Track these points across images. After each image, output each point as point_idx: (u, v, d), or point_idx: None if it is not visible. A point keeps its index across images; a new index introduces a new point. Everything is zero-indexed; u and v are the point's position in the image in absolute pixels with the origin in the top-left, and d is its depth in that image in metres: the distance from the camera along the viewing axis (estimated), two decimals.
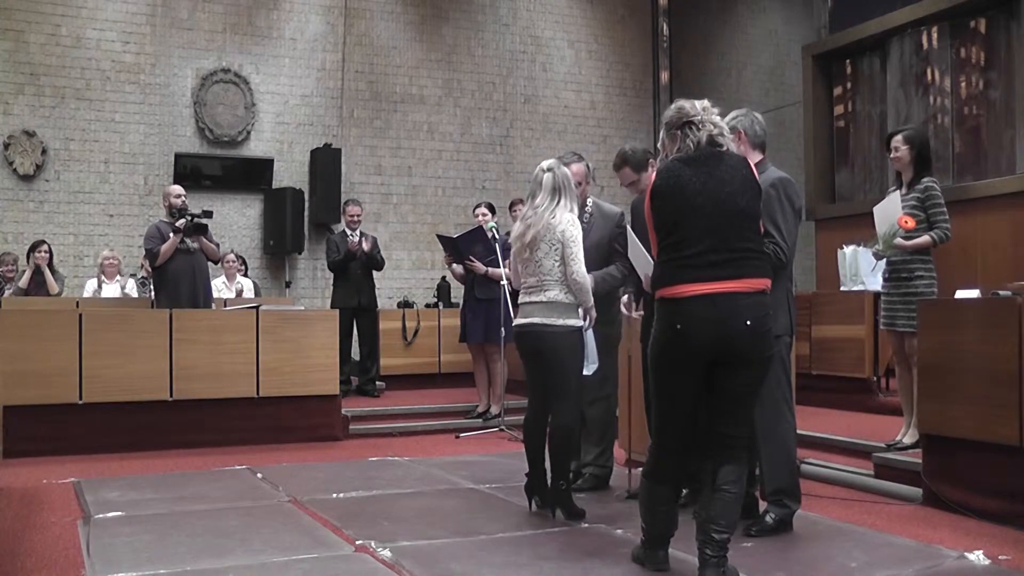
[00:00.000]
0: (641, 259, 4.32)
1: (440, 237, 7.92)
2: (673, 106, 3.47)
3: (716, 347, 3.22)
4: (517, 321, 4.57)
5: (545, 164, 4.53)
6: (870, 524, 4.34)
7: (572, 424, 4.45)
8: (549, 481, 4.50)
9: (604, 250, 5.01)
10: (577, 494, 4.88)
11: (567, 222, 4.36)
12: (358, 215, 8.70)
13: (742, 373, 3.28)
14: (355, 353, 8.93)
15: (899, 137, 5.35)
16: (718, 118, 3.41)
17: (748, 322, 3.21)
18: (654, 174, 3.44)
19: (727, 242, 3.24)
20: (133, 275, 9.22)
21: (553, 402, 4.45)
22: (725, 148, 3.37)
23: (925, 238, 5.16)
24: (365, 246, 8.43)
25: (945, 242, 5.22)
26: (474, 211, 7.89)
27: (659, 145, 3.55)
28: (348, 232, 8.58)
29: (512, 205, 8.45)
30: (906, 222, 5.06)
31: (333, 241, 8.64)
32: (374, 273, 8.74)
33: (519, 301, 4.59)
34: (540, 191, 4.45)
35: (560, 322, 4.35)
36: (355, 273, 8.51)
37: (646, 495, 3.49)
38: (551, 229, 4.35)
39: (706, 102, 3.44)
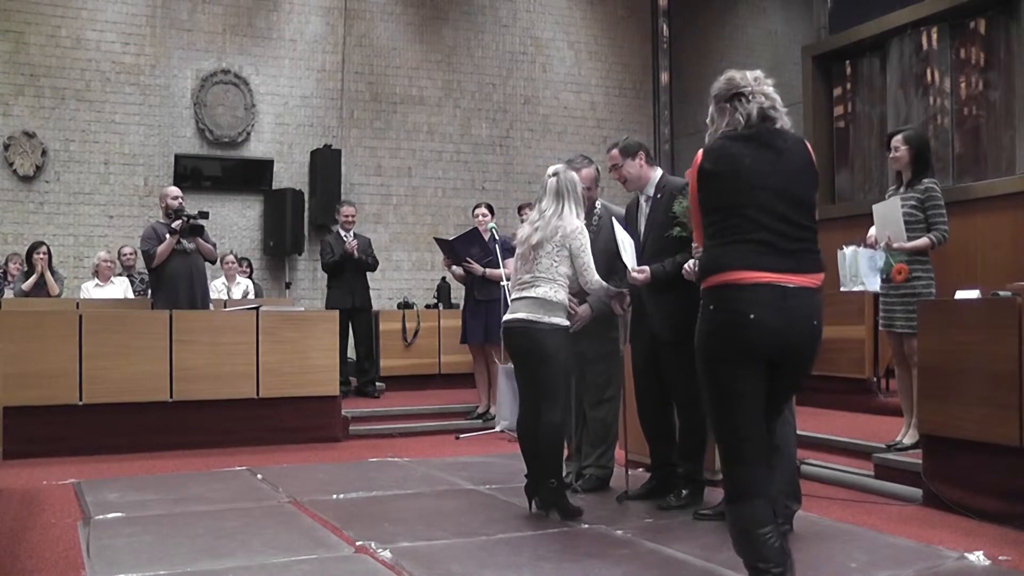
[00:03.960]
0: (629, 250, 4.54)
1: (437, 240, 7.92)
2: (722, 77, 3.11)
3: (781, 344, 2.87)
4: (505, 317, 4.58)
5: (551, 169, 4.57)
6: (870, 524, 4.34)
7: (559, 422, 4.41)
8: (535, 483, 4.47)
9: (613, 255, 4.97)
10: (577, 495, 4.89)
11: (577, 231, 4.40)
12: (352, 216, 8.68)
13: (795, 373, 3.01)
14: (351, 354, 8.90)
15: (899, 137, 5.36)
16: (771, 89, 3.06)
17: (815, 322, 2.93)
18: (700, 153, 3.06)
19: (789, 231, 2.91)
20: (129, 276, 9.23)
21: (542, 400, 4.43)
22: (779, 124, 3.04)
23: (924, 240, 5.17)
24: (356, 252, 8.40)
25: (943, 244, 5.23)
26: (473, 212, 7.89)
27: (707, 120, 3.19)
28: (342, 233, 8.57)
29: (520, 209, 8.42)
30: (899, 272, 5.14)
31: (327, 242, 8.64)
32: (369, 273, 8.73)
33: (510, 298, 4.60)
34: (545, 196, 4.50)
35: (545, 319, 4.36)
36: (348, 274, 8.50)
37: (740, 523, 2.90)
38: (557, 232, 4.39)
39: (759, 72, 3.08)
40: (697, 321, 3.03)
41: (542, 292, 4.38)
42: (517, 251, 4.62)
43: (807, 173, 3.03)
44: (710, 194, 3.01)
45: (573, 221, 4.43)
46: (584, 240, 4.41)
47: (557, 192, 4.47)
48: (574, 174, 4.58)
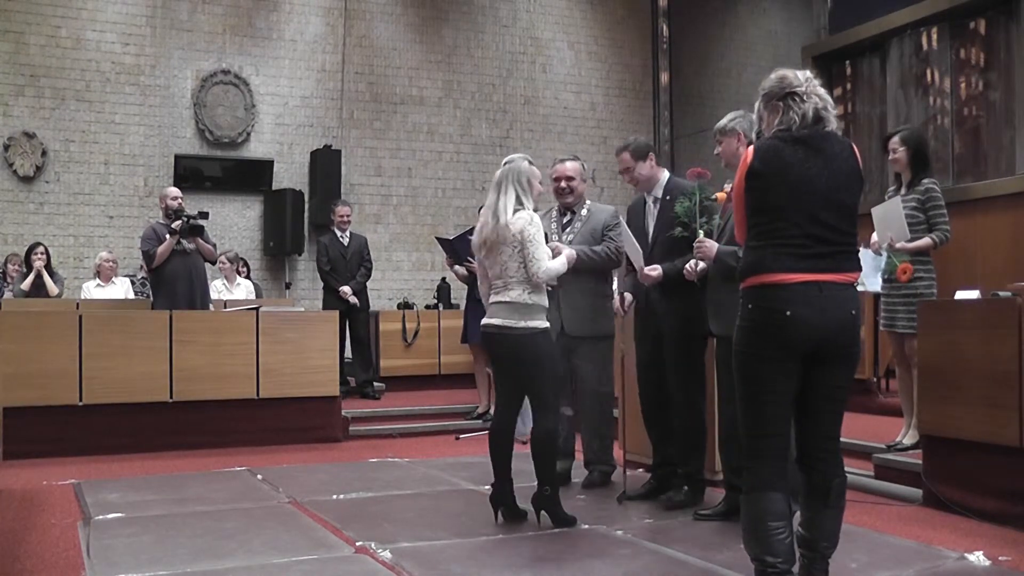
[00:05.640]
0: (634, 251, 4.57)
1: (439, 239, 7.93)
2: (773, 75, 3.11)
3: (819, 336, 2.93)
4: (482, 321, 4.40)
5: (506, 158, 4.41)
6: (870, 525, 4.33)
7: (552, 428, 4.31)
8: (536, 487, 4.35)
9: (598, 241, 5.06)
10: (578, 495, 4.89)
11: (524, 221, 4.19)
12: (347, 216, 8.65)
13: (840, 368, 3.03)
14: (348, 354, 8.87)
15: (896, 139, 5.36)
16: (823, 90, 3.06)
17: (853, 311, 2.98)
18: (750, 151, 3.05)
19: (830, 235, 2.96)
20: (131, 275, 9.21)
21: (534, 408, 4.33)
22: (831, 128, 3.04)
23: (926, 240, 5.17)
24: (352, 296, 8.36)
25: (945, 243, 5.23)
26: (479, 211, 7.87)
27: (754, 117, 3.22)
28: (338, 233, 8.56)
29: None
30: (904, 272, 5.13)
31: (323, 244, 8.61)
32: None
33: (488, 300, 4.41)
34: (491, 187, 4.36)
35: (522, 324, 4.20)
36: (343, 276, 8.47)
37: (754, 513, 3.00)
38: (508, 230, 4.20)
39: (808, 72, 3.09)
40: (736, 320, 3.06)
41: (515, 295, 4.22)
42: (477, 253, 4.44)
43: (853, 179, 3.04)
44: (756, 195, 3.02)
45: (521, 215, 4.20)
46: (533, 231, 4.16)
47: (498, 182, 4.29)
48: (526, 164, 4.33)
